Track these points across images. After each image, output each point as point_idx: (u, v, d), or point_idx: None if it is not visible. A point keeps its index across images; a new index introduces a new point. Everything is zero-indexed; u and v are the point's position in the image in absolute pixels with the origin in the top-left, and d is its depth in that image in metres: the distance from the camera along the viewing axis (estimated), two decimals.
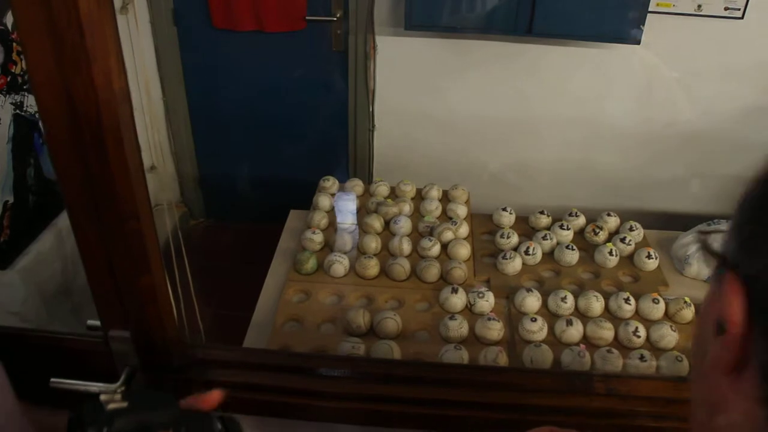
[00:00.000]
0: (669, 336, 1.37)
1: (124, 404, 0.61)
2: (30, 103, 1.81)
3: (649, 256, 1.60)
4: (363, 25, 2.43)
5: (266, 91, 2.71)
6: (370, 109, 2.55)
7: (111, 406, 0.61)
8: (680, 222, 1.85)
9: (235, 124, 2.84)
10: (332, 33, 2.52)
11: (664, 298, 1.48)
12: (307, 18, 2.50)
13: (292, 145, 2.80)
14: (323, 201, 1.77)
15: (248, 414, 1.10)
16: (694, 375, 0.47)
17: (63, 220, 2.03)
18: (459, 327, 1.35)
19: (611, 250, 1.59)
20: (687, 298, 1.47)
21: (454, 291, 1.44)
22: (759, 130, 2.46)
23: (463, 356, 1.29)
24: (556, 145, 2.48)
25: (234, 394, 1.05)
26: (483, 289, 1.45)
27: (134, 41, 2.60)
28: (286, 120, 2.75)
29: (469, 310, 1.44)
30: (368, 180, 2.59)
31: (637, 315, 1.45)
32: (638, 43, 2.17)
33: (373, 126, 2.58)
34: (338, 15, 2.47)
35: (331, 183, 1.85)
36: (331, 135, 2.73)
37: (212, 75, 2.74)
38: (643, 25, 2.15)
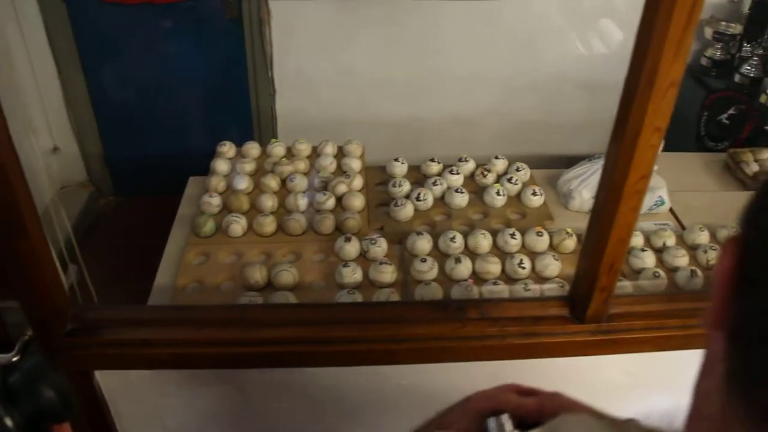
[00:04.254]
0: (552, 265, 1.46)
1: None
2: None
3: (534, 194, 1.68)
4: None
5: (164, 63, 2.69)
6: (270, 74, 2.57)
7: None
8: (566, 163, 1.94)
9: (136, 99, 2.80)
10: (224, 1, 2.51)
11: (548, 231, 1.57)
12: None
13: (195, 115, 2.79)
14: (220, 165, 1.79)
15: (148, 369, 1.14)
16: None
17: None
18: (352, 273, 1.41)
19: (498, 190, 1.67)
20: (569, 230, 1.56)
21: (348, 240, 1.49)
22: None
23: (356, 299, 1.34)
24: (450, 97, 2.55)
25: (131, 350, 1.08)
26: (376, 236, 1.51)
27: (21, 21, 2.54)
28: (186, 91, 2.73)
29: (363, 257, 1.49)
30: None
31: (523, 248, 1.53)
32: None
33: (274, 90, 2.59)
34: None
35: (227, 148, 1.87)
36: (233, 102, 2.73)
37: (107, 50, 2.70)
38: None
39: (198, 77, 2.71)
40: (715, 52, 2.61)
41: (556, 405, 0.74)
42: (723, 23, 2.58)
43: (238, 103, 2.71)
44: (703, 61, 2.65)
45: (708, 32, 2.60)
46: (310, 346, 1.03)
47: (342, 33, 2.48)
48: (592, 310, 1.02)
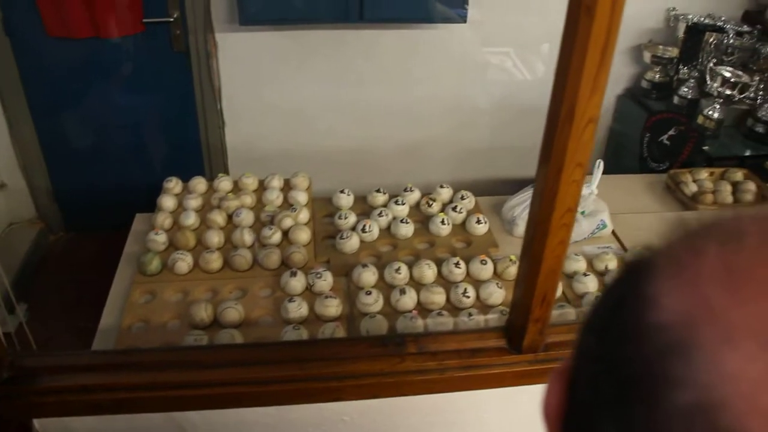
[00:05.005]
0: (496, 293, 1.48)
1: None
2: None
3: (479, 222, 1.71)
4: (201, 23, 2.43)
5: (112, 98, 2.67)
6: (218, 107, 2.57)
7: None
8: (515, 188, 1.98)
9: (85, 134, 2.78)
10: (172, 34, 2.51)
11: (493, 259, 1.59)
12: (144, 21, 2.49)
13: (145, 149, 2.77)
14: (166, 202, 1.78)
15: (89, 415, 1.12)
16: None
17: None
18: (298, 308, 1.41)
19: (443, 219, 1.69)
20: (513, 257, 1.59)
21: (293, 274, 1.49)
22: None
23: (302, 335, 1.34)
24: (397, 126, 2.58)
25: (71, 397, 1.07)
26: (321, 269, 1.51)
27: None
28: (135, 125, 2.72)
29: (310, 291, 1.50)
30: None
31: (468, 277, 1.56)
32: (465, 21, 2.29)
33: (223, 123, 2.59)
34: (175, 15, 2.47)
35: (173, 183, 1.86)
36: (183, 135, 2.72)
37: (54, 85, 2.67)
38: (467, 4, 2.27)
39: (147, 111, 2.69)
40: (655, 75, 2.69)
41: None
42: (660, 47, 2.67)
43: (187, 137, 2.70)
44: (644, 84, 2.72)
45: (647, 56, 2.68)
46: (251, 386, 1.03)
47: (289, 64, 2.50)
48: (528, 340, 1.04)
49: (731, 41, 2.48)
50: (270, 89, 2.55)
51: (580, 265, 1.61)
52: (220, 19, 2.43)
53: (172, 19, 2.47)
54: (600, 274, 1.61)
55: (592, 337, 0.38)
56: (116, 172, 2.85)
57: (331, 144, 2.57)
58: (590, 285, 1.54)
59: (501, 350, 1.06)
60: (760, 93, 2.48)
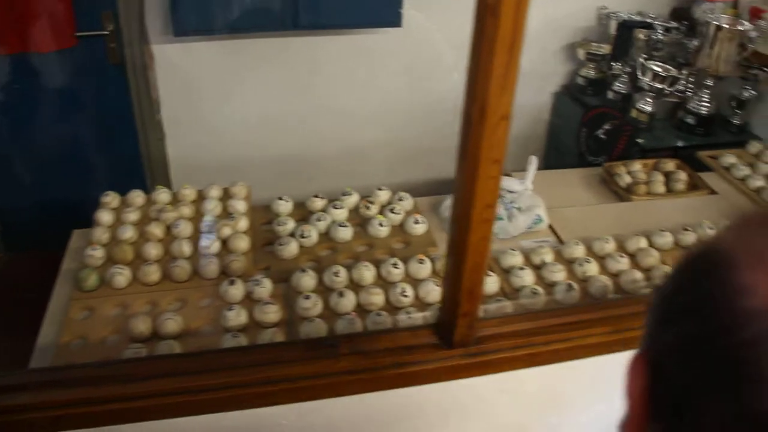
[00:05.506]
0: (434, 291, 1.50)
1: None
2: None
3: (417, 222, 1.73)
4: (136, 36, 2.41)
5: (48, 113, 2.63)
6: (158, 119, 2.55)
7: None
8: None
9: (21, 151, 2.72)
10: (107, 47, 2.49)
11: (431, 258, 1.61)
12: (77, 34, 2.45)
13: (84, 165, 2.73)
14: (104, 217, 1.77)
15: None
16: None
17: None
18: (237, 316, 1.41)
19: (381, 221, 1.71)
20: None
21: (232, 283, 1.49)
22: (524, 96, 2.69)
23: (241, 342, 1.35)
24: (336, 131, 2.60)
25: (7, 418, 1.06)
26: (260, 276, 1.52)
27: None
28: (73, 140, 2.68)
29: (249, 299, 1.50)
30: (171, 189, 2.59)
31: (407, 277, 1.58)
32: (399, 25, 2.32)
33: (163, 135, 2.58)
34: (110, 28, 2.44)
35: (111, 198, 1.85)
36: (123, 149, 2.69)
37: None
38: (401, 8, 2.30)
39: (84, 125, 2.65)
40: (589, 72, 2.76)
41: None
42: (594, 44, 2.74)
43: (128, 150, 2.67)
44: (579, 80, 2.79)
45: (581, 53, 2.74)
46: (185, 396, 1.03)
47: (228, 74, 2.50)
48: (458, 335, 1.06)
49: (660, 37, 2.55)
50: (210, 99, 2.54)
51: (517, 259, 1.64)
52: (155, 31, 2.41)
53: (107, 33, 2.44)
54: (536, 268, 1.64)
55: (684, 324, 0.42)
56: (56, 189, 2.80)
57: (272, 152, 2.57)
58: (527, 279, 1.57)
59: (433, 346, 1.09)
60: (690, 86, 2.56)
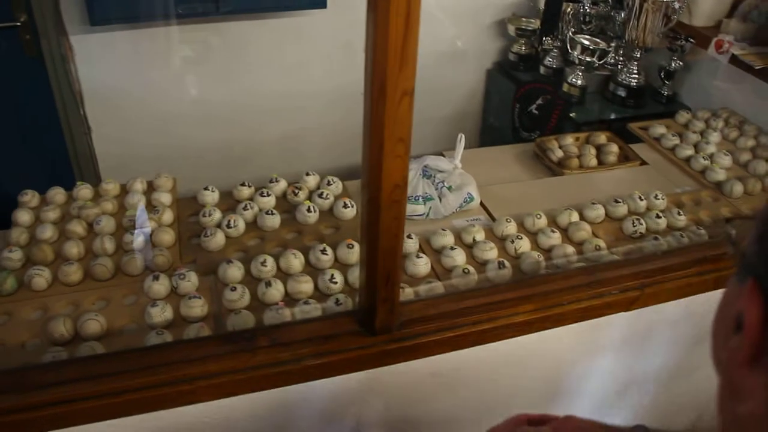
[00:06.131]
0: None
1: None
2: None
3: (345, 206, 1.70)
4: (53, 26, 2.32)
5: None
6: (82, 112, 2.46)
7: None
8: None
9: None
10: (21, 39, 2.39)
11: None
12: None
13: (9, 163, 2.63)
14: (22, 216, 1.70)
15: None
16: (715, 363, 0.52)
17: None
18: (161, 312, 1.37)
19: (309, 207, 1.68)
20: None
21: (156, 278, 1.45)
22: (457, 74, 2.69)
23: (166, 339, 1.30)
24: (265, 118, 2.55)
25: None
26: (184, 270, 1.48)
27: None
28: None
29: (175, 294, 1.46)
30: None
31: (337, 263, 1.55)
32: (324, 6, 2.27)
33: (89, 128, 2.49)
34: (22, 19, 2.34)
35: (30, 196, 1.77)
36: (47, 145, 2.60)
37: None
38: None
39: (7, 123, 2.55)
40: (520, 48, 2.76)
41: (570, 428, 0.75)
42: (524, 19, 2.73)
43: (52, 146, 2.58)
44: (511, 57, 2.79)
45: (511, 29, 2.74)
46: (102, 399, 0.99)
47: (152, 63, 2.42)
48: (379, 321, 1.04)
49: (588, 10, 2.56)
50: (135, 90, 2.46)
51: (448, 239, 1.63)
52: (73, 21, 2.32)
53: (19, 24, 2.34)
54: (468, 247, 1.63)
55: None
56: None
57: (202, 142, 2.51)
58: (458, 258, 1.56)
59: (355, 333, 1.06)
60: (619, 59, 2.58)
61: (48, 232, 1.63)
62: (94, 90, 2.45)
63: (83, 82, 2.42)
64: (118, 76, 2.44)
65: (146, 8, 2.19)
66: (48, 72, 2.42)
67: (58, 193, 1.79)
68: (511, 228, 1.69)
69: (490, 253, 1.60)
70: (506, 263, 1.55)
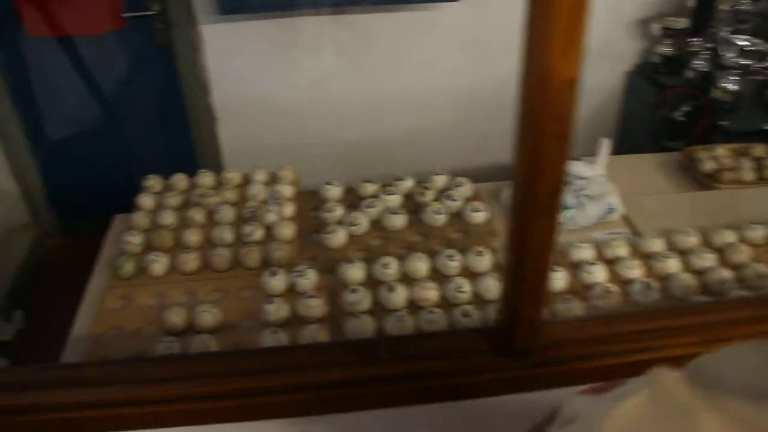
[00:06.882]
0: (494, 287, 1.35)
1: None
2: None
3: (475, 210, 1.58)
4: (184, 16, 2.33)
5: (98, 96, 2.58)
6: (208, 102, 2.46)
7: None
8: None
9: (75, 134, 2.69)
10: (154, 28, 2.41)
11: (492, 249, 1.47)
12: (124, 15, 2.38)
13: (137, 148, 2.68)
14: (145, 201, 1.69)
15: None
16: None
17: None
18: (277, 310, 1.30)
19: (437, 208, 1.57)
20: None
21: (273, 273, 1.38)
22: (594, 75, 2.51)
23: (280, 339, 1.23)
24: (391, 114, 2.46)
25: (5, 419, 0.96)
26: (303, 267, 1.40)
27: None
28: (125, 123, 2.63)
29: (292, 291, 1.39)
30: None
31: (465, 270, 1.43)
32: None
33: (214, 118, 2.49)
34: (156, 9, 2.36)
35: (153, 182, 1.77)
36: (174, 132, 2.63)
37: (39, 86, 2.59)
38: None
39: (136, 108, 2.60)
40: (665, 48, 2.54)
41: None
42: (670, 18, 2.52)
43: (179, 134, 2.61)
44: (654, 59, 2.58)
45: (655, 29, 2.53)
46: (201, 402, 0.91)
47: (279, 55, 2.39)
48: (519, 342, 0.91)
49: (746, 7, 2.32)
50: (261, 81, 2.44)
51: (587, 253, 1.48)
52: (204, 11, 2.32)
53: (153, 13, 2.37)
54: (609, 263, 1.47)
55: None
56: (110, 171, 2.76)
57: (322, 137, 2.46)
58: (598, 275, 1.41)
59: (490, 354, 0.94)
60: None
61: (169, 218, 1.61)
62: (221, 80, 2.44)
63: (211, 71, 2.42)
64: (244, 67, 2.42)
65: None
66: (177, 61, 2.43)
67: (181, 180, 1.77)
68: (658, 245, 1.52)
69: (635, 271, 1.44)
70: (653, 284, 1.39)
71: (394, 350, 0.92)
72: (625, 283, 1.42)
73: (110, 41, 2.43)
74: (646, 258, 1.49)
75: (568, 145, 0.75)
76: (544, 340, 0.95)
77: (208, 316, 1.31)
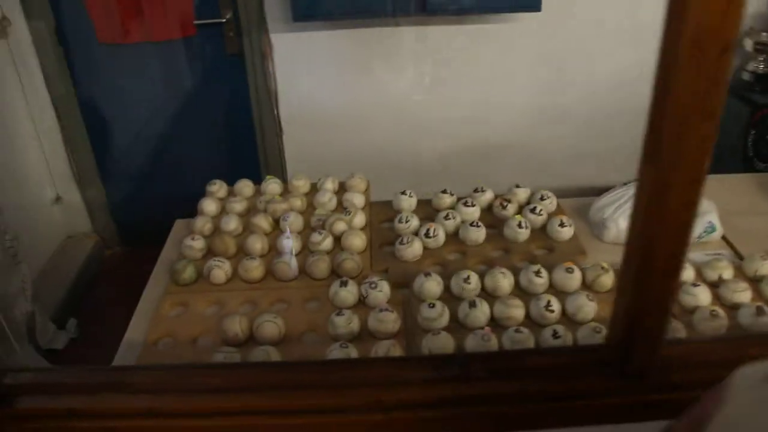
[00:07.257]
0: (586, 306, 1.22)
1: None
2: None
3: (562, 224, 1.46)
4: (255, 24, 2.28)
5: (165, 104, 2.55)
6: (275, 111, 2.40)
7: None
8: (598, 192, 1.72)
9: (139, 142, 2.66)
10: (225, 35, 2.37)
11: (580, 267, 1.34)
12: (195, 23, 2.35)
13: (201, 158, 2.63)
14: (208, 206, 1.61)
15: None
16: None
17: None
18: (347, 323, 1.19)
19: (520, 222, 1.45)
20: (605, 264, 1.33)
21: (344, 284, 1.27)
22: None
23: (350, 354, 1.12)
24: (463, 127, 2.36)
25: (52, 423, 0.86)
26: (376, 279, 1.29)
27: (19, 67, 2.42)
28: (190, 131, 2.58)
29: (363, 304, 1.27)
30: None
31: (551, 288, 1.30)
32: (539, 9, 2.05)
33: (281, 128, 2.42)
34: (228, 16, 2.32)
35: (217, 187, 1.69)
36: (240, 141, 2.57)
37: (107, 92, 2.57)
38: None
39: (203, 117, 2.55)
40: (758, 66, 2.38)
41: None
42: (764, 34, 2.36)
43: (244, 143, 2.55)
44: (745, 76, 2.42)
45: (748, 44, 2.38)
46: (263, 417, 0.80)
47: (348, 64, 2.32)
48: (637, 362, 0.78)
49: None
50: (329, 91, 2.37)
51: (688, 273, 1.34)
52: (274, 19, 2.27)
53: (224, 20, 2.32)
54: (713, 285, 1.32)
55: None
56: (171, 181, 2.73)
57: (395, 148, 2.36)
58: (702, 297, 1.26)
59: (602, 373, 0.81)
60: None
61: (232, 224, 1.52)
62: (290, 89, 2.38)
63: (279, 80, 2.36)
64: (313, 76, 2.36)
65: (347, 4, 2.08)
66: (247, 69, 2.38)
67: (246, 186, 1.69)
68: (766, 267, 1.37)
69: (743, 295, 1.28)
70: (766, 309, 1.23)
71: (494, 366, 0.80)
72: (731, 307, 1.27)
73: (180, 48, 2.39)
74: (754, 281, 1.34)
75: (717, 122, 0.63)
76: (662, 363, 0.81)
77: (272, 327, 1.21)
